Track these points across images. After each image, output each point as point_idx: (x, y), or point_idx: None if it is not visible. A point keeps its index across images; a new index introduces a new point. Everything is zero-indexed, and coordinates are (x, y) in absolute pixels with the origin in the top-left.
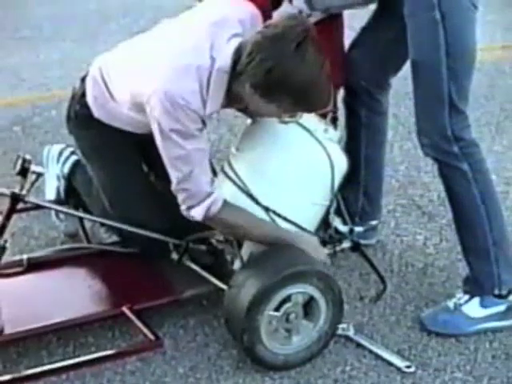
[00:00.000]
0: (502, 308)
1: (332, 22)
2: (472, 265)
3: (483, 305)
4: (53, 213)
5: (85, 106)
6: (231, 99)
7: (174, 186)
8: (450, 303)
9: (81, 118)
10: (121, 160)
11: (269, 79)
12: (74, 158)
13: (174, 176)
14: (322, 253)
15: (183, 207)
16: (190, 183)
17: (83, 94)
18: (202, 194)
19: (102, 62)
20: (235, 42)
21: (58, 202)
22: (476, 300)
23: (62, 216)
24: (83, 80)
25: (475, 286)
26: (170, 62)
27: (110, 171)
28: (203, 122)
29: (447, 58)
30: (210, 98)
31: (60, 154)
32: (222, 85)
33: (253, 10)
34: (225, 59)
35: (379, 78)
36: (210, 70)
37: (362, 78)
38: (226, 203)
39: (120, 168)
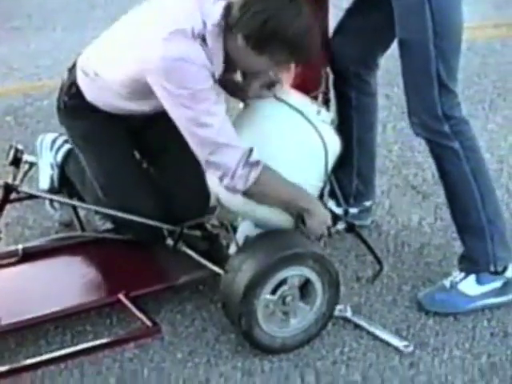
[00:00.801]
0: (498, 284)
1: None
2: (466, 242)
3: (479, 282)
4: (47, 202)
5: (73, 96)
6: (226, 62)
7: (205, 163)
8: (447, 282)
9: (70, 108)
10: (112, 148)
11: (263, 31)
12: (67, 146)
13: (201, 149)
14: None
15: (225, 182)
16: (220, 148)
17: (71, 85)
18: (239, 153)
19: (89, 52)
20: (222, 2)
21: (51, 190)
22: (472, 277)
23: (56, 205)
24: (70, 71)
25: (470, 264)
26: (165, 30)
27: (101, 159)
28: (213, 79)
29: (434, 37)
30: (212, 55)
31: (53, 142)
32: (218, 41)
33: None
34: (216, 17)
35: (367, 60)
36: (204, 32)
37: (350, 61)
38: (264, 164)
39: (112, 156)
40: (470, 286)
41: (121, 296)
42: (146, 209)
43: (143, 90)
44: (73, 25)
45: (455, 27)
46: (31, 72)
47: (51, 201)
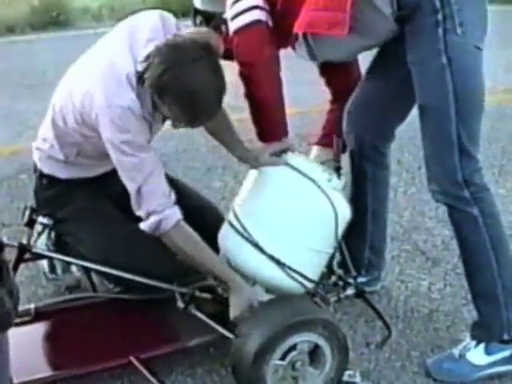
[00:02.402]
0: (507, 353)
1: None
2: (481, 309)
3: (488, 352)
4: (46, 268)
5: (47, 187)
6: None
7: (133, 200)
8: (456, 351)
9: (51, 199)
10: (108, 219)
11: (160, 81)
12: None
13: (131, 189)
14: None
15: (144, 215)
16: (146, 193)
17: (40, 179)
18: (155, 205)
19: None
20: (151, 46)
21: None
22: (481, 347)
23: (58, 271)
24: (35, 169)
25: (484, 331)
26: (101, 77)
27: (100, 233)
28: (150, 130)
29: (456, 102)
30: (144, 101)
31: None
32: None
33: (165, 19)
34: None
35: (384, 131)
36: (136, 75)
37: (367, 133)
38: (180, 224)
39: (110, 226)
40: (478, 356)
41: (132, 358)
42: (156, 269)
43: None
44: None
45: (476, 91)
46: None
47: (52, 267)
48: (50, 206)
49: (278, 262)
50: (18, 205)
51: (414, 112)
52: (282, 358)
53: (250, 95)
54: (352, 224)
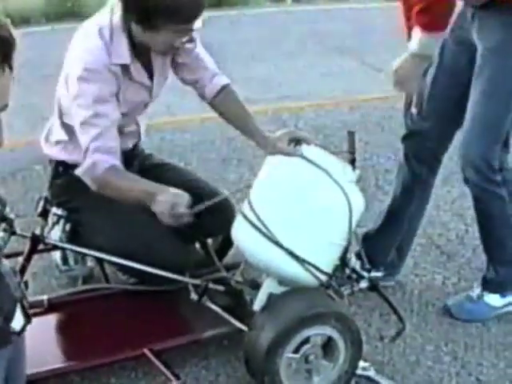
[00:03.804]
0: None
1: None
2: (499, 272)
3: (503, 295)
4: (59, 260)
5: (62, 175)
6: (139, 50)
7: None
8: (473, 294)
9: (67, 188)
10: (123, 208)
11: (140, 11)
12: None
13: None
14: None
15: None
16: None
17: (56, 167)
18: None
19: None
20: None
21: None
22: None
23: (71, 262)
24: (50, 162)
25: (499, 288)
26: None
27: (115, 223)
28: (117, 83)
29: None
30: (115, 50)
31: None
32: (121, 36)
33: None
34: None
35: (445, 139)
36: (110, 26)
37: (429, 140)
38: (113, 169)
39: (125, 214)
40: (495, 298)
41: (146, 350)
42: (171, 259)
43: None
44: None
45: None
46: None
47: (64, 259)
48: (65, 194)
49: (293, 255)
50: (33, 196)
51: None
52: (296, 351)
53: None
54: (386, 223)
